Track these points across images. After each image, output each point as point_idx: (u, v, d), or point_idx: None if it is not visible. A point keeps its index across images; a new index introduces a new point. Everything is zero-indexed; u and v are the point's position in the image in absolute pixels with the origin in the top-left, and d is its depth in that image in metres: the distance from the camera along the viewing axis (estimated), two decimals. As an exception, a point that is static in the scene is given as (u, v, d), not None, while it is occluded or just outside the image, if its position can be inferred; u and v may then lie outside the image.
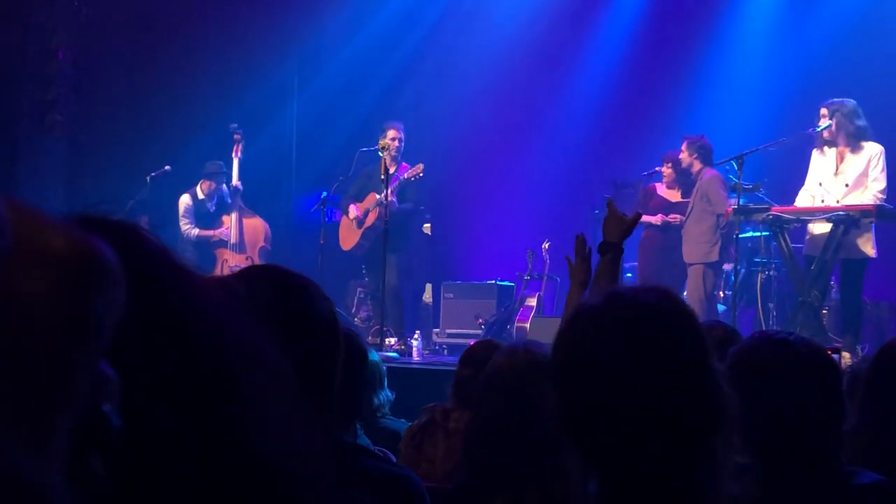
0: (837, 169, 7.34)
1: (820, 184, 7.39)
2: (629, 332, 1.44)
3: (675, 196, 9.07)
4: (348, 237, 9.37)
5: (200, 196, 9.71)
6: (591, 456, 1.44)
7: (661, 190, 9.13)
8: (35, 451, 0.62)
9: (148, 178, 9.67)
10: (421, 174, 9.16)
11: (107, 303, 0.67)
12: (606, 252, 2.84)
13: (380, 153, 8.57)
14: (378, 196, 9.07)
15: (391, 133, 9.33)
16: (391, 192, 8.92)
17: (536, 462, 2.05)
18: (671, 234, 8.86)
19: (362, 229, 9.24)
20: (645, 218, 8.59)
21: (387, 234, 8.51)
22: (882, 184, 7.23)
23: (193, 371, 0.79)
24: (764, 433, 2.06)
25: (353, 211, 9.30)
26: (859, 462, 2.18)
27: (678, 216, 8.80)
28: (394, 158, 9.35)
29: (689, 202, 8.75)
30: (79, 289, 0.65)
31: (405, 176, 9.16)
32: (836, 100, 7.40)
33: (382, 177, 8.54)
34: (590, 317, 1.48)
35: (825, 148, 7.41)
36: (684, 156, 8.70)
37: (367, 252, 9.30)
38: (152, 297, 0.79)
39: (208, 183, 9.70)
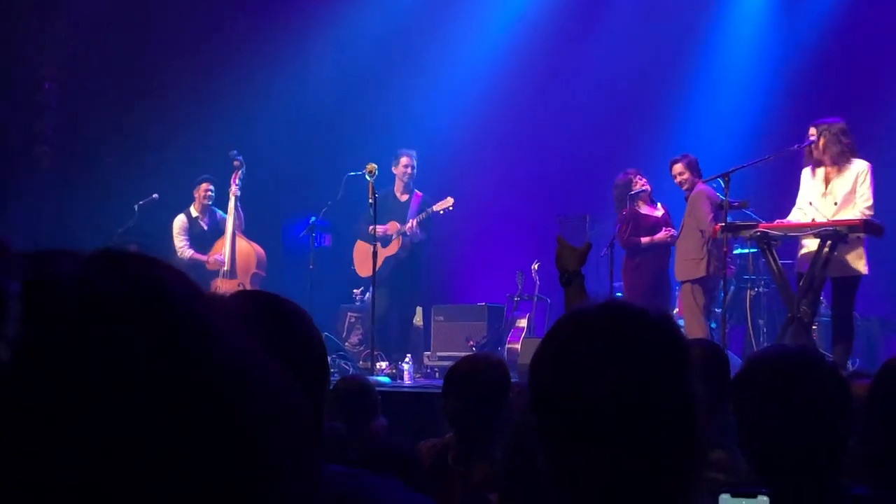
0: (826, 188, 7.33)
1: (810, 203, 7.39)
2: (589, 347, 1.42)
3: (658, 211, 8.96)
4: (366, 263, 8.98)
5: (194, 214, 9.75)
6: (567, 474, 1.43)
7: (644, 209, 8.92)
8: None
9: (136, 206, 9.67)
10: (451, 207, 9.16)
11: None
12: (571, 282, 2.87)
13: (367, 178, 8.45)
14: (399, 225, 9.13)
15: (404, 160, 9.38)
16: (417, 222, 8.99)
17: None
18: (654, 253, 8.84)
19: (383, 256, 9.16)
20: (644, 240, 8.70)
21: (403, 263, 8.62)
22: (869, 200, 7.19)
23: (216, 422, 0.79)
24: (769, 449, 2.06)
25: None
26: (861, 480, 2.17)
27: (671, 231, 8.73)
28: (406, 186, 9.37)
29: (664, 216, 8.77)
30: None
31: (436, 209, 9.17)
32: (823, 119, 7.41)
33: (370, 201, 8.46)
34: (560, 338, 1.47)
35: (814, 167, 7.41)
36: (686, 177, 8.46)
37: (385, 278, 9.13)
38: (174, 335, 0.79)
39: (201, 202, 9.70)
